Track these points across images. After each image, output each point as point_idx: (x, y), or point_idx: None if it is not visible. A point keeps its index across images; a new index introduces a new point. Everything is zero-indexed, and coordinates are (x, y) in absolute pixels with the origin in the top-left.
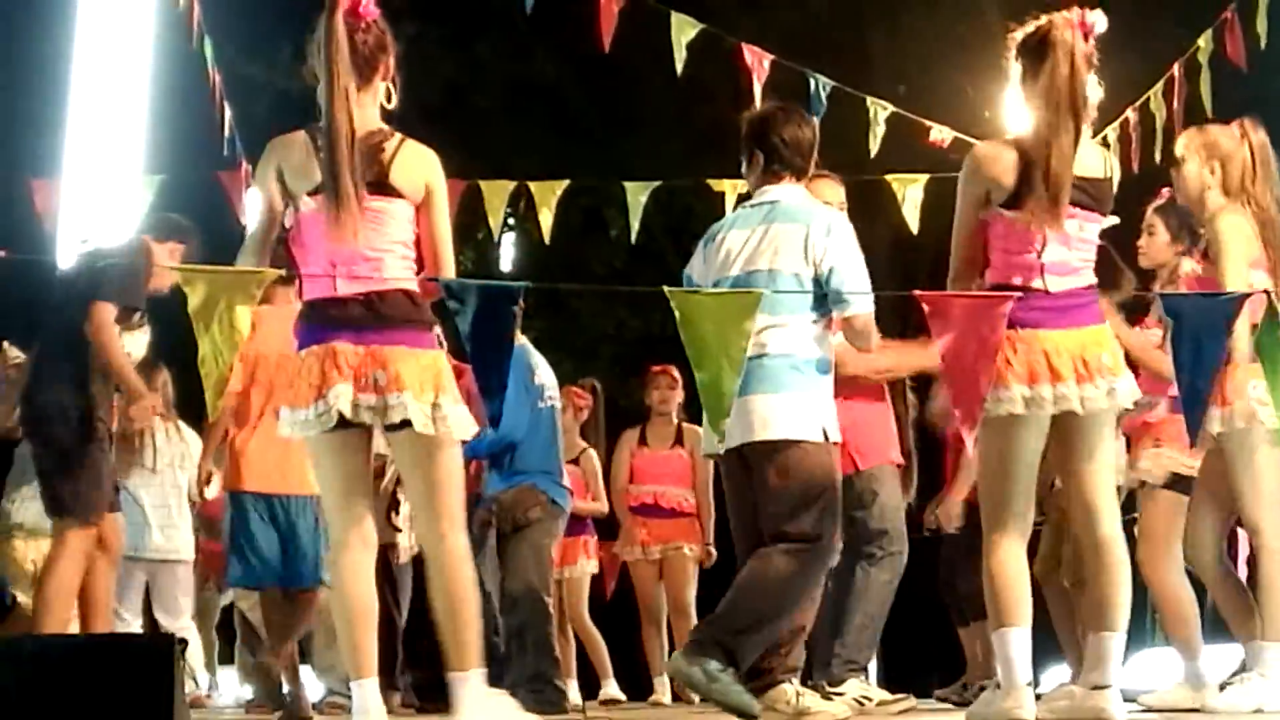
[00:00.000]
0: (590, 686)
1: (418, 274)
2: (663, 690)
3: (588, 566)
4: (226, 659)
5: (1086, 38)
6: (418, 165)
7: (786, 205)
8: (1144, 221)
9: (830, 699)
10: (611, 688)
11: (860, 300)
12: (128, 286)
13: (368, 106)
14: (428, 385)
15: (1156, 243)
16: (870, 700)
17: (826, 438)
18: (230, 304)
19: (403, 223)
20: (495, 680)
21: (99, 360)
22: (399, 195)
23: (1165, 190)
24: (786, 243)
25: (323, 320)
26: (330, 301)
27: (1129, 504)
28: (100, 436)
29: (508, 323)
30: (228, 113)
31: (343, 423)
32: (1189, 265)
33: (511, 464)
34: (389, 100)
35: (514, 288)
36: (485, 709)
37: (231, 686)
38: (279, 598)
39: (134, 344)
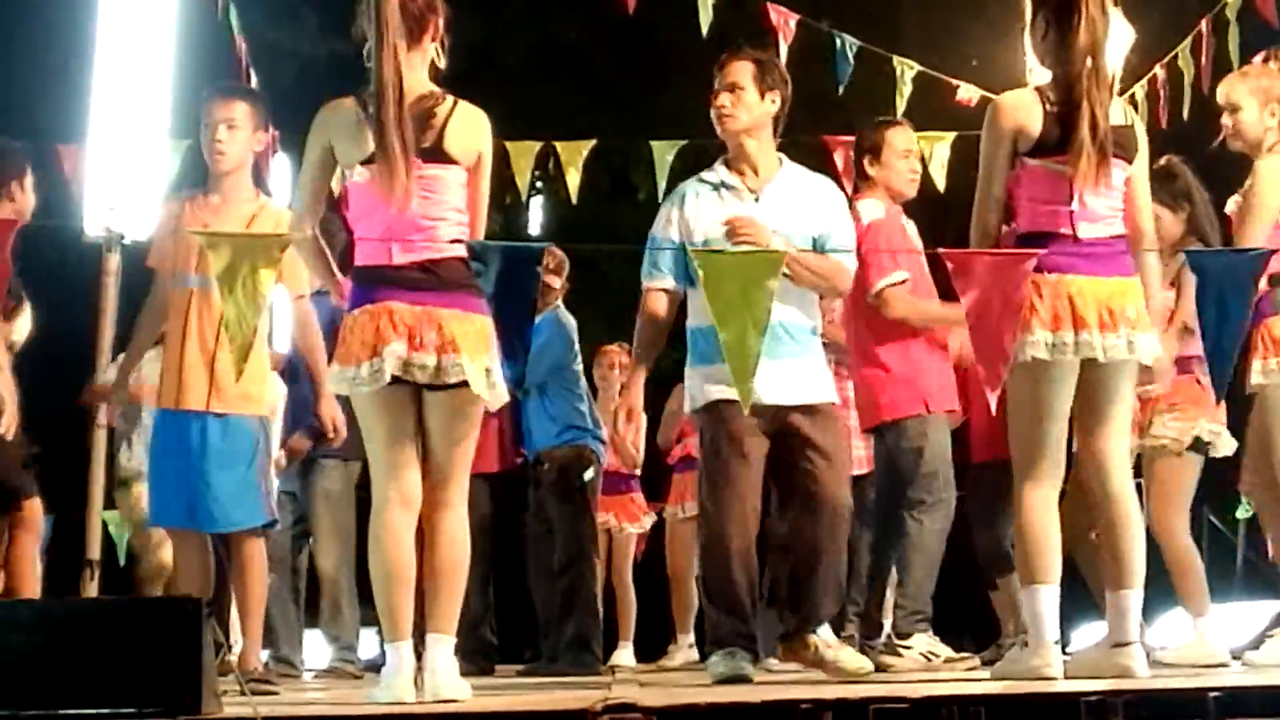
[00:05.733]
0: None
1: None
2: (677, 651)
3: (642, 524)
4: None
5: None
6: (472, 129)
7: None
8: None
9: (898, 653)
10: (626, 653)
11: None
12: None
13: (417, 68)
14: (481, 348)
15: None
16: (938, 656)
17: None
18: (254, 268)
19: (456, 188)
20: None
21: None
22: (453, 161)
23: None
24: None
25: (377, 282)
26: (385, 266)
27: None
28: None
29: (531, 284)
30: (253, 79)
31: (393, 380)
32: (1231, 205)
33: (557, 421)
34: (439, 60)
35: (536, 248)
36: (449, 675)
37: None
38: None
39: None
